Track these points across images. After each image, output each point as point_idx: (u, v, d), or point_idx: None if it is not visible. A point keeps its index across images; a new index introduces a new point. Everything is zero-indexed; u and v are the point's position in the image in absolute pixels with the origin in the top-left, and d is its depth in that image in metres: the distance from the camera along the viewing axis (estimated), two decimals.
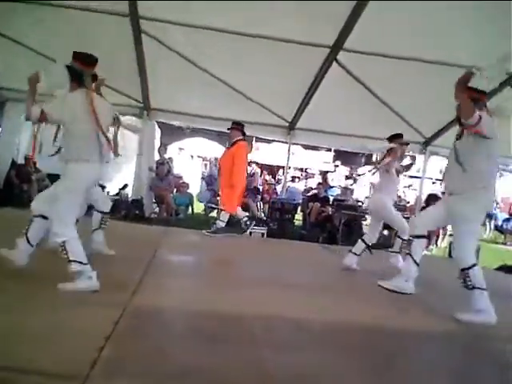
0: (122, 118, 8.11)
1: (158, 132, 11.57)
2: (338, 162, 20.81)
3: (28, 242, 3.85)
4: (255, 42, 7.24)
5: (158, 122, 10.40)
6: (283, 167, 12.38)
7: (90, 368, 2.29)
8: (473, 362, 3.26)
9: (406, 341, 3.42)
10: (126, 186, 10.86)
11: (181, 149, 19.17)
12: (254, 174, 13.77)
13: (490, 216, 17.82)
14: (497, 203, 20.00)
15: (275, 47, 7.28)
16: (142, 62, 7.95)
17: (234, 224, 7.69)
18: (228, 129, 7.60)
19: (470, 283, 4.06)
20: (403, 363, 2.97)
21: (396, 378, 2.71)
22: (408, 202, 14.39)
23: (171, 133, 15.97)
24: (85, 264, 3.55)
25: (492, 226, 17.51)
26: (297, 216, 11.25)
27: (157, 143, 11.27)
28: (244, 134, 7.61)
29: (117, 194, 10.96)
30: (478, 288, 4.03)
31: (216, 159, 13.53)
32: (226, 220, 7.49)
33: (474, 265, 4.13)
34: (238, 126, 7.55)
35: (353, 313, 3.94)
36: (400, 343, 3.35)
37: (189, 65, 7.83)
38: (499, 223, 17.29)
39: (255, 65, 7.75)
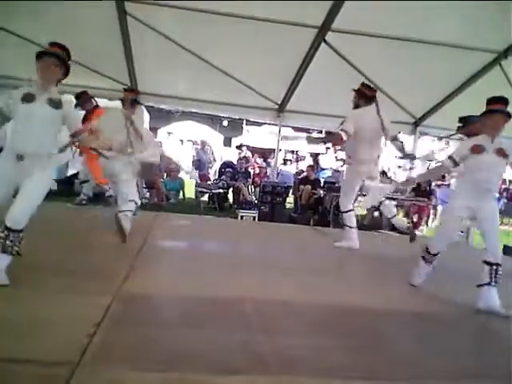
0: (110, 103, 8.05)
1: (146, 116, 11.46)
2: (329, 144, 20.73)
3: None
4: (243, 24, 7.13)
5: (146, 106, 10.29)
6: (274, 150, 12.34)
7: (80, 355, 2.28)
8: (466, 341, 3.29)
9: (397, 322, 3.44)
10: None
11: (170, 133, 19.05)
12: (245, 157, 13.72)
13: None
14: None
15: (263, 28, 7.19)
16: (128, 45, 7.82)
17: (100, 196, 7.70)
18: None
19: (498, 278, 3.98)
20: (394, 345, 2.99)
21: (386, 359, 2.73)
22: None
23: (160, 117, 15.86)
24: None
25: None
26: (288, 199, 11.26)
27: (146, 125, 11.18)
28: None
29: None
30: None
31: (202, 142, 13.43)
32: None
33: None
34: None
35: (344, 295, 3.96)
36: (391, 325, 3.37)
37: (176, 47, 7.71)
38: None
39: (243, 47, 7.66)
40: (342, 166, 17.31)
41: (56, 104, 3.48)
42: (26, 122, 3.40)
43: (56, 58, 3.50)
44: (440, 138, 18.11)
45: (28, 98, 3.43)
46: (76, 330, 2.57)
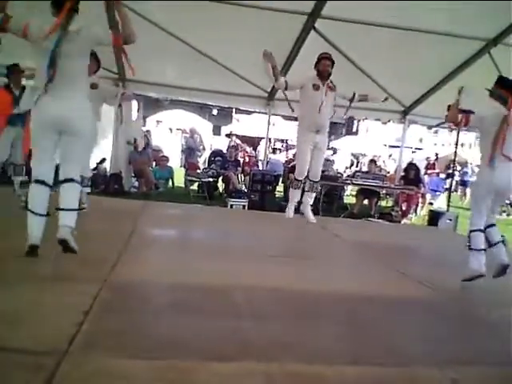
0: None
1: (135, 104, 11.36)
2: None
3: None
4: (232, 11, 7.08)
5: (134, 94, 10.19)
6: (263, 138, 12.32)
7: (68, 343, 2.26)
8: (452, 326, 3.32)
9: (386, 309, 3.46)
10: (103, 160, 10.70)
11: (159, 121, 18.92)
12: (234, 145, 13.68)
13: (465, 183, 18.13)
14: (472, 171, 20.32)
15: (252, 16, 7.15)
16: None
17: None
18: None
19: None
20: (382, 331, 3.01)
21: (374, 345, 2.74)
22: (388, 172, 14.50)
23: (149, 105, 15.72)
24: None
25: (469, 194, 17.80)
26: (278, 187, 11.27)
27: (134, 116, 11.07)
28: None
29: (95, 169, 10.82)
30: None
31: (192, 130, 13.35)
32: None
33: None
34: None
35: (333, 282, 3.98)
36: (379, 311, 3.39)
37: (164, 35, 7.65)
38: None
39: (233, 34, 7.61)
40: (331, 155, 17.38)
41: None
42: None
43: None
44: (429, 127, 18.26)
45: None
46: (64, 318, 2.54)
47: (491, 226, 4.22)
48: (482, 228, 4.16)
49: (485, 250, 4.12)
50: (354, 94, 6.20)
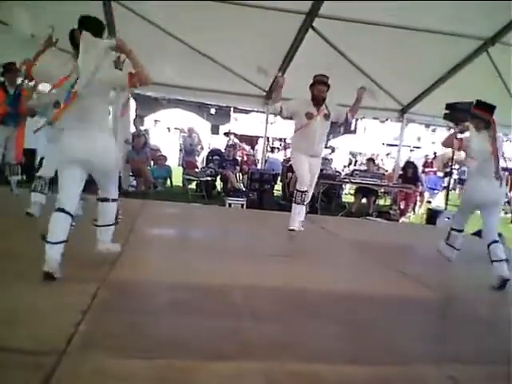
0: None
1: (132, 103, 11.33)
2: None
3: None
4: (230, 10, 7.07)
5: (132, 93, 10.17)
6: (262, 137, 12.32)
7: (66, 343, 2.26)
8: (450, 325, 3.33)
9: (385, 308, 3.46)
10: None
11: (157, 121, 18.88)
12: (232, 144, 13.65)
13: (463, 181, 18.11)
14: None
15: (251, 15, 7.13)
16: (113, 31, 7.70)
17: None
18: None
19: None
20: (380, 330, 3.01)
21: (373, 344, 2.75)
22: (386, 171, 14.49)
23: (147, 104, 15.73)
24: None
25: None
26: (276, 186, 11.26)
27: (132, 115, 11.04)
28: None
29: None
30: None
31: (190, 130, 13.32)
32: None
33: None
34: None
35: (331, 281, 3.98)
36: (376, 310, 3.39)
37: (162, 34, 7.63)
38: None
39: (231, 33, 7.59)
40: (330, 153, 17.38)
41: None
42: None
43: None
44: (427, 125, 18.21)
45: None
46: (62, 317, 2.55)
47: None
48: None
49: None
50: (347, 115, 5.84)
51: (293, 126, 5.89)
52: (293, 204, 5.70)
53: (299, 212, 5.68)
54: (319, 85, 5.62)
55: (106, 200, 3.64)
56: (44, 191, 5.08)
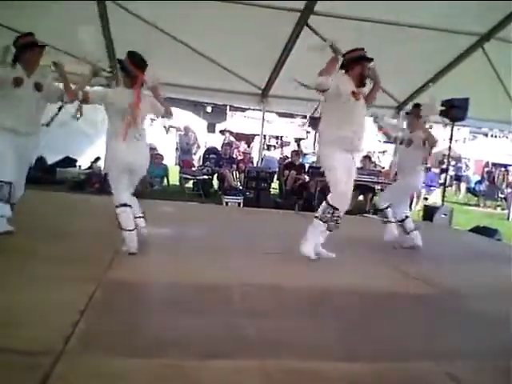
0: (91, 89, 7.88)
1: None
2: (310, 129, 20.64)
3: None
4: (225, 8, 7.05)
5: None
6: (258, 135, 12.30)
7: (64, 343, 2.25)
8: (448, 321, 3.33)
9: (381, 304, 3.47)
10: (98, 158, 10.66)
11: (153, 119, 18.83)
12: (228, 142, 13.64)
13: (459, 178, 18.16)
14: (466, 165, 20.35)
15: (246, 13, 7.12)
16: (108, 31, 7.69)
17: None
18: None
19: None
20: (377, 326, 3.02)
21: (370, 340, 2.75)
22: (383, 168, 14.50)
23: None
24: None
25: (464, 189, 17.86)
26: (273, 184, 11.26)
27: None
28: None
29: (89, 168, 10.78)
30: None
31: (186, 128, 13.29)
32: None
33: None
34: None
35: (328, 278, 3.98)
36: (375, 306, 3.40)
37: (157, 32, 7.60)
38: (472, 186, 17.60)
39: (226, 31, 7.58)
40: None
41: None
42: None
43: None
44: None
45: None
46: (60, 317, 2.54)
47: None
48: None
49: None
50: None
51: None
52: (316, 220, 4.47)
53: (322, 235, 4.52)
54: (366, 61, 4.63)
55: (136, 196, 4.57)
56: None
